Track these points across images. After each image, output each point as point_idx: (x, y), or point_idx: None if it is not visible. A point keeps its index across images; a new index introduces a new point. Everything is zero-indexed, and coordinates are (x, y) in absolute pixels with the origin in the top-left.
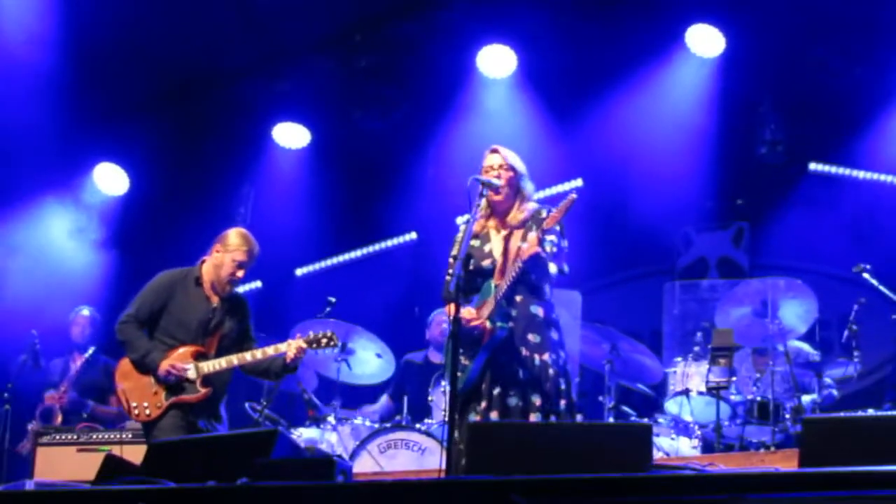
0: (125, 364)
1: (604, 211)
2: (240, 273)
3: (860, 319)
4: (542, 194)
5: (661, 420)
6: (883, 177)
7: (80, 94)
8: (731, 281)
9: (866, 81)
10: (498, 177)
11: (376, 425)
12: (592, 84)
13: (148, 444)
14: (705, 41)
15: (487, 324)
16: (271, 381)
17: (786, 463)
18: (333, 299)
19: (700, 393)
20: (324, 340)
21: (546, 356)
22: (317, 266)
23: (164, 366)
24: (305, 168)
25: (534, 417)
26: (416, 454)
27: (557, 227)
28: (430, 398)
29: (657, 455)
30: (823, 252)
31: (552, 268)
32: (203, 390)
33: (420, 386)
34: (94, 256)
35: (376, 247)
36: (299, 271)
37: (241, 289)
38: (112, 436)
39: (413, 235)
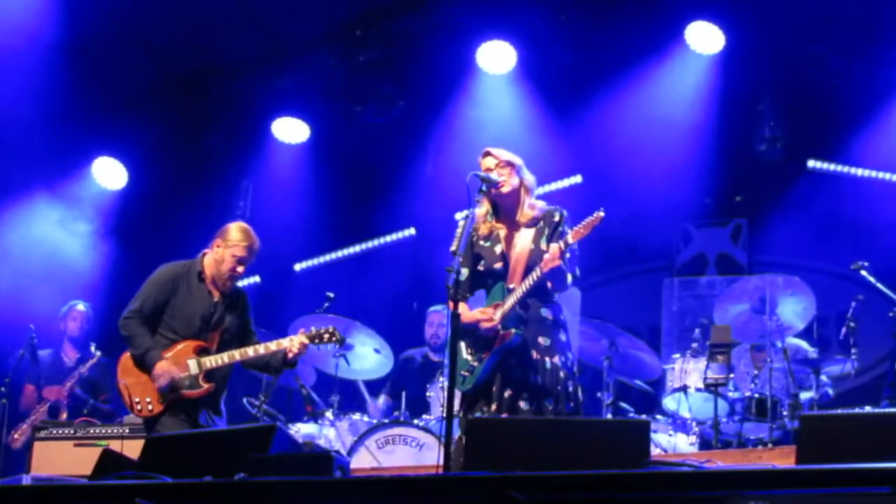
0: (127, 359)
1: (603, 207)
2: (240, 269)
3: (858, 316)
4: (541, 190)
5: (659, 417)
6: (881, 174)
7: (79, 88)
8: (730, 278)
9: (865, 79)
10: (500, 174)
11: (374, 421)
12: (592, 80)
13: (145, 440)
14: (705, 38)
15: (501, 328)
16: (271, 375)
17: (783, 460)
18: (332, 294)
19: (698, 389)
20: (326, 336)
21: (556, 359)
22: (316, 261)
23: (160, 369)
24: (305, 163)
25: None
26: (415, 450)
27: (570, 231)
28: (428, 394)
29: (655, 451)
30: (822, 249)
31: (568, 277)
32: (205, 386)
33: (419, 382)
34: (91, 250)
35: (375, 242)
36: (298, 266)
37: (239, 283)
38: (109, 430)
39: (412, 231)
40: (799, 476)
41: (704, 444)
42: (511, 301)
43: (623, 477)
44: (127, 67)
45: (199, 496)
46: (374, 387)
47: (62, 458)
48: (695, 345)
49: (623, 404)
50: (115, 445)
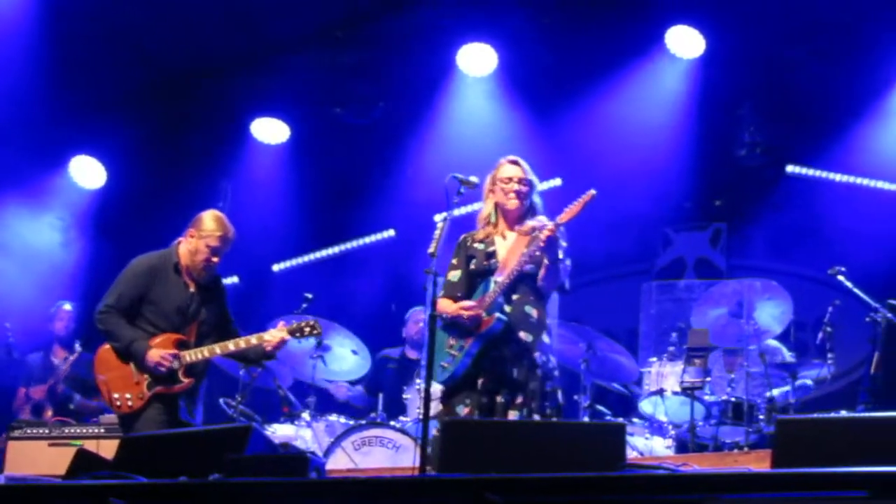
0: (104, 354)
1: (582, 210)
2: (215, 259)
3: (835, 321)
4: None
5: (635, 420)
6: (859, 180)
7: (59, 88)
8: (708, 282)
9: (845, 84)
10: (518, 191)
11: (351, 422)
12: (572, 84)
13: (120, 439)
14: (685, 42)
15: (484, 314)
16: (250, 366)
17: (759, 463)
18: (310, 295)
19: (675, 393)
20: (307, 329)
21: (536, 356)
22: (294, 262)
23: (154, 356)
24: (284, 164)
25: (512, 415)
26: (391, 451)
27: (564, 244)
28: (405, 395)
29: (631, 454)
30: (800, 254)
31: (562, 280)
32: (186, 380)
33: (396, 382)
34: (68, 249)
35: (354, 244)
36: (276, 267)
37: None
38: (84, 430)
39: (391, 233)
40: (774, 480)
41: (681, 448)
42: (496, 287)
43: (598, 479)
44: (106, 66)
45: (173, 496)
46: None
47: (37, 458)
48: (672, 348)
49: (600, 407)
50: (90, 445)
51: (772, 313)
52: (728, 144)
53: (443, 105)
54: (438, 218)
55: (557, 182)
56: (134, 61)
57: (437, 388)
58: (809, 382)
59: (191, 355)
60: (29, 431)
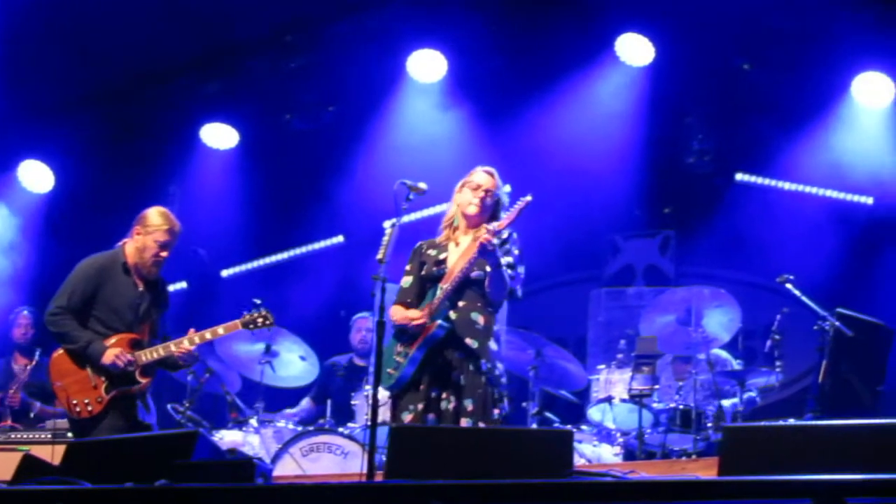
0: (59, 360)
1: (532, 217)
2: (163, 253)
3: (783, 329)
4: None
5: (584, 427)
6: (808, 188)
7: (6, 92)
8: (657, 289)
9: (793, 93)
10: (483, 199)
11: (299, 428)
12: (522, 91)
13: (67, 445)
14: (635, 50)
15: (428, 321)
16: (174, 371)
17: (707, 471)
18: (259, 301)
19: (623, 400)
20: (259, 320)
21: (482, 363)
22: (243, 268)
23: (111, 355)
24: (233, 169)
25: (465, 422)
26: (339, 458)
27: (517, 252)
28: (353, 402)
29: (579, 461)
30: (748, 262)
31: (511, 289)
32: (144, 380)
33: (344, 389)
34: (16, 253)
35: (303, 249)
36: (225, 272)
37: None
38: (34, 435)
39: (340, 239)
40: (721, 487)
41: (629, 455)
42: (440, 294)
43: (545, 486)
44: (54, 70)
45: (119, 502)
46: (298, 394)
47: None
48: (620, 355)
49: (549, 414)
50: (44, 451)
51: (720, 321)
52: (677, 152)
53: (392, 111)
54: (387, 224)
55: (507, 189)
56: (82, 65)
57: (385, 395)
58: (756, 392)
59: (146, 355)
60: None
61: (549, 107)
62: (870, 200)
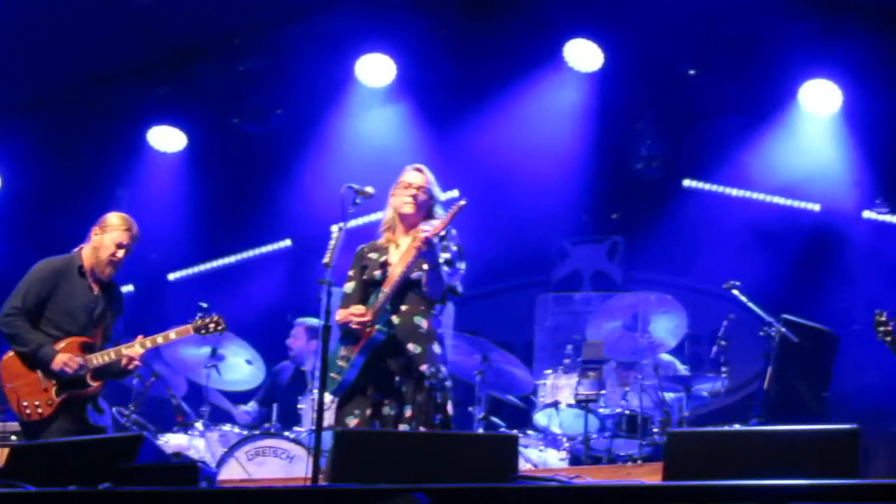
0: (9, 361)
1: (480, 222)
2: (120, 253)
3: (729, 335)
4: None
5: (530, 432)
6: (754, 195)
7: None
8: (605, 294)
9: (741, 100)
10: (415, 196)
11: (245, 432)
12: (471, 95)
13: (10, 447)
14: (584, 56)
15: (368, 326)
16: (115, 378)
17: (652, 476)
18: (205, 305)
19: (569, 405)
20: (212, 325)
21: (424, 367)
22: (190, 271)
23: (60, 361)
24: (180, 172)
25: (402, 428)
26: (285, 462)
27: (455, 248)
28: (299, 406)
29: (524, 466)
30: (695, 268)
31: (450, 287)
32: (94, 384)
33: (290, 393)
34: None
35: (250, 253)
36: (172, 276)
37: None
38: None
39: (287, 242)
40: (665, 492)
41: (575, 460)
42: (382, 297)
43: (489, 491)
44: (2, 73)
45: None
46: (245, 398)
47: None
48: (567, 361)
49: (495, 419)
50: None
51: (666, 326)
52: (625, 158)
53: (341, 115)
54: (334, 228)
55: (455, 193)
56: (28, 67)
57: (331, 399)
58: (702, 398)
59: (97, 358)
60: None
61: (498, 111)
62: (816, 207)
